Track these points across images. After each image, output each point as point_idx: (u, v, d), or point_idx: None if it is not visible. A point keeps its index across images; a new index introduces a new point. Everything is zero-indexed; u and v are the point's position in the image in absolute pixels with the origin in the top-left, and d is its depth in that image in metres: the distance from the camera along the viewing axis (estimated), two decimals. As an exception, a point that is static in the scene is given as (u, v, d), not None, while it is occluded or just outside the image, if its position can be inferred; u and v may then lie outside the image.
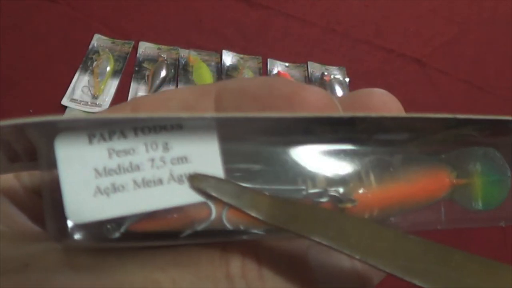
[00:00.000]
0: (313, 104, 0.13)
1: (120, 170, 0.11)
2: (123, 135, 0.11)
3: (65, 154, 0.11)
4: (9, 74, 0.52)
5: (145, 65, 0.58)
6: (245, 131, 0.13)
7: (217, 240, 0.13)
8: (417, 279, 0.11)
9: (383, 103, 0.15)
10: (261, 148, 0.13)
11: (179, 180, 0.12)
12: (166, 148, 0.11)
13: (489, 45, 0.69)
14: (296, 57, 0.62)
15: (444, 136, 0.14)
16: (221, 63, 0.60)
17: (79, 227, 0.11)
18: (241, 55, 0.61)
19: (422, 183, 0.14)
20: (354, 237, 0.11)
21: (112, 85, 0.55)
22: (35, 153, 0.12)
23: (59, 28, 0.57)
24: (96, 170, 0.11)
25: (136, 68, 0.57)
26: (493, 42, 0.69)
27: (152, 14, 0.61)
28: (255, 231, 0.13)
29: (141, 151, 0.11)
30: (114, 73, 0.56)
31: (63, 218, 0.11)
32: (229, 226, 0.12)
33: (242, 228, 0.12)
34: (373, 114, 0.12)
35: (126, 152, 0.11)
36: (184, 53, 0.59)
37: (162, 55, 0.58)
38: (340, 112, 0.13)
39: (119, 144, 0.11)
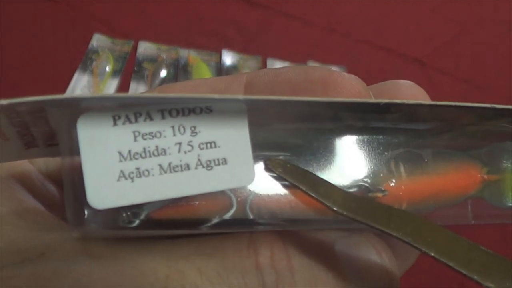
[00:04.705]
0: (348, 90, 0.13)
1: (145, 154, 0.11)
2: (150, 117, 0.11)
3: (88, 135, 0.10)
4: (9, 74, 0.52)
5: (144, 65, 0.57)
6: (273, 117, 0.12)
7: (239, 230, 0.12)
8: (493, 284, 0.11)
9: (412, 95, 0.14)
10: (288, 135, 0.13)
11: (207, 166, 0.11)
12: (194, 132, 0.11)
13: (489, 45, 0.68)
14: (296, 57, 0.62)
15: (476, 129, 0.14)
16: (221, 63, 0.60)
17: (98, 213, 0.11)
18: (241, 55, 0.61)
19: (452, 178, 0.14)
20: (430, 237, 0.11)
21: (111, 85, 0.55)
22: (52, 138, 0.11)
23: (59, 28, 0.57)
24: (120, 154, 0.11)
25: (136, 68, 0.57)
26: (493, 42, 0.69)
27: (152, 14, 0.61)
28: (279, 222, 0.12)
29: (168, 135, 0.11)
30: (114, 73, 0.56)
31: (83, 204, 0.11)
32: (252, 216, 0.12)
33: (266, 218, 0.12)
34: (411, 101, 0.12)
35: (152, 135, 0.11)
36: (183, 53, 0.59)
37: (162, 55, 0.58)
38: (377, 99, 0.13)
39: (145, 126, 0.11)
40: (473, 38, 0.68)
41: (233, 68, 0.60)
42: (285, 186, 0.12)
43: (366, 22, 0.67)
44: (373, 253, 0.13)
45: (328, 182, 0.12)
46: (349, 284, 0.13)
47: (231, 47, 0.61)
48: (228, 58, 0.60)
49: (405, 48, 0.65)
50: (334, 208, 0.12)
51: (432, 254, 0.11)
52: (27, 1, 0.57)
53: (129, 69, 0.57)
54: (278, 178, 0.12)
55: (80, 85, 0.54)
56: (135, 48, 0.58)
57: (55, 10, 0.58)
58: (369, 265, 0.13)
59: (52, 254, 0.12)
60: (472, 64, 0.66)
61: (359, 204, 0.12)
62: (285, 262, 0.12)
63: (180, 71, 0.58)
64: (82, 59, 0.56)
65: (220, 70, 0.59)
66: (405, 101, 0.12)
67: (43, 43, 0.56)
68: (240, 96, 0.11)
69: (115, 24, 0.59)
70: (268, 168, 0.12)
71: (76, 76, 0.54)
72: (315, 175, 0.12)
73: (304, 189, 0.12)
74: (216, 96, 0.11)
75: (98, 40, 0.58)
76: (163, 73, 0.57)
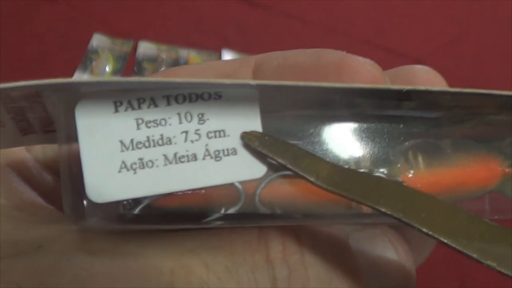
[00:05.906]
0: (364, 75, 0.12)
1: (149, 143, 0.10)
2: (154, 103, 0.10)
3: (87, 123, 0.10)
4: (9, 74, 0.52)
5: (144, 65, 0.57)
6: (285, 103, 0.12)
7: (247, 225, 0.12)
8: (495, 262, 0.10)
9: (429, 80, 0.14)
10: (300, 123, 0.12)
11: (216, 156, 0.10)
12: (202, 119, 0.10)
13: (489, 45, 0.68)
14: (296, 57, 0.62)
15: (496, 119, 0.13)
16: (221, 63, 0.60)
17: (97, 206, 0.10)
18: (241, 55, 0.61)
19: (472, 170, 0.13)
20: (425, 212, 0.10)
21: (111, 85, 0.55)
22: (50, 124, 0.11)
23: (59, 28, 0.57)
24: (122, 143, 0.10)
25: (136, 68, 0.57)
26: (494, 42, 0.69)
27: (152, 14, 0.60)
28: (290, 216, 0.12)
29: (174, 122, 0.10)
30: (114, 73, 0.56)
31: (82, 196, 0.10)
32: (262, 209, 0.11)
33: (278, 211, 0.11)
34: (435, 88, 0.11)
35: (157, 123, 0.10)
36: (183, 53, 0.59)
37: (162, 55, 0.58)
38: (399, 85, 0.12)
39: (149, 113, 0.10)
40: (473, 38, 0.68)
41: (233, 68, 0.60)
42: (294, 177, 0.11)
43: (366, 22, 0.67)
44: (388, 247, 0.13)
45: (313, 155, 0.11)
46: (364, 278, 0.12)
47: (231, 47, 0.60)
48: (228, 58, 0.60)
49: (405, 48, 0.65)
50: (318, 183, 0.11)
51: (425, 230, 0.10)
52: (27, 1, 0.57)
53: (129, 69, 0.56)
54: (257, 152, 0.11)
55: (79, 85, 0.54)
56: (135, 48, 0.58)
57: (55, 10, 0.57)
58: (384, 259, 0.12)
59: (51, 247, 0.11)
60: (472, 64, 0.66)
61: (346, 178, 0.11)
62: (297, 256, 0.11)
63: (180, 71, 0.58)
64: (82, 59, 0.56)
65: (220, 70, 0.59)
66: (429, 88, 0.11)
67: (43, 43, 0.55)
68: (253, 81, 0.11)
69: (115, 24, 0.59)
70: (245, 143, 0.11)
71: (76, 76, 0.54)
72: (298, 147, 0.11)
73: (283, 163, 0.11)
74: (226, 81, 0.10)
75: (98, 40, 0.58)
76: (163, 73, 0.57)
